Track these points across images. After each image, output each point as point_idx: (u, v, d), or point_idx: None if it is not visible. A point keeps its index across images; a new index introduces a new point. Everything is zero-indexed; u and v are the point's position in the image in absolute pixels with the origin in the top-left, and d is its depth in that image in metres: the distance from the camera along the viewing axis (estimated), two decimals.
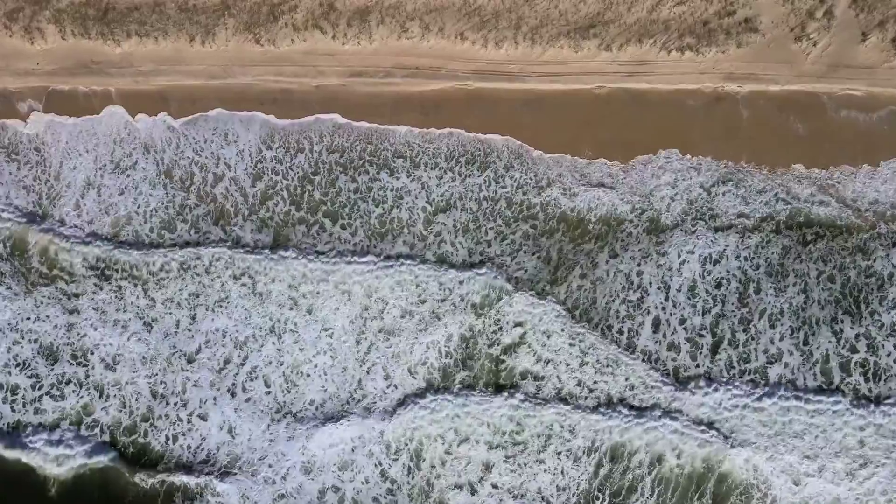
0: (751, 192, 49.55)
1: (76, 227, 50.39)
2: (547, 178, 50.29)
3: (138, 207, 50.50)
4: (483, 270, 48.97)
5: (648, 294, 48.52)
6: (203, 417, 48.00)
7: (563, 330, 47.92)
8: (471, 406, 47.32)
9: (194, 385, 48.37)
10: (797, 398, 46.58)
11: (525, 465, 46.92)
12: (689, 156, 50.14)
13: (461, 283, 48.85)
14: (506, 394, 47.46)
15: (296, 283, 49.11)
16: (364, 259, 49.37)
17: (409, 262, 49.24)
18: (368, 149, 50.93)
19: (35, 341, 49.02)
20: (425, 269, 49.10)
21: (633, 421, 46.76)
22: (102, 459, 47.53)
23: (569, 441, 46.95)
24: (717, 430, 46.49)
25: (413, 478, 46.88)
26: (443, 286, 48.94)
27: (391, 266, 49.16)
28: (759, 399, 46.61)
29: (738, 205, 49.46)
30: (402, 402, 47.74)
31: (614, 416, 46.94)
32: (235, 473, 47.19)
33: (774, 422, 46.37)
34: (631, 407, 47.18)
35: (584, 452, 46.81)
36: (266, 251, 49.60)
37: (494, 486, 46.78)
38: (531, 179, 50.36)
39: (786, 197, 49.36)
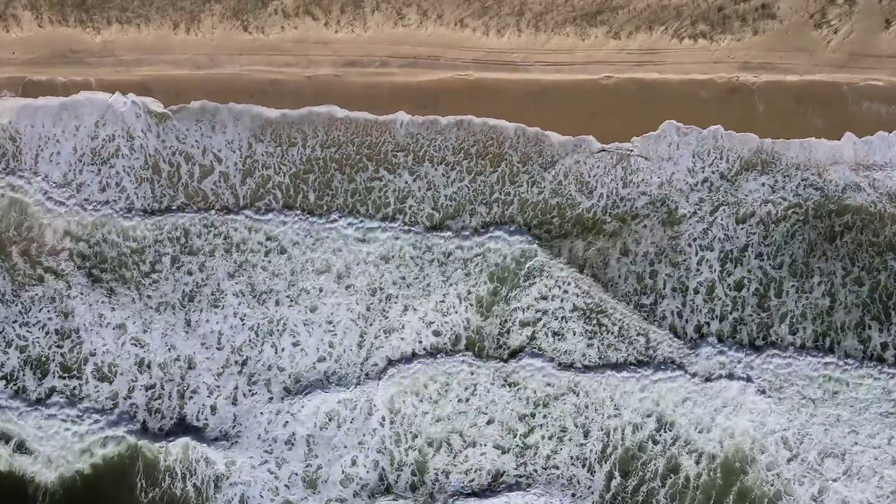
0: (779, 178, 47.96)
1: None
2: (564, 171, 48.42)
3: (120, 209, 48.37)
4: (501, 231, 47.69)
5: (664, 298, 47.11)
6: (201, 435, 46.54)
7: (579, 328, 46.65)
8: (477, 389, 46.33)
9: (193, 393, 46.86)
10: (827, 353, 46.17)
11: (536, 472, 45.82)
12: (718, 125, 48.49)
13: (468, 274, 47.28)
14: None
15: (295, 280, 47.41)
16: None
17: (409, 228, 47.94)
18: (368, 141, 48.82)
19: (22, 350, 47.16)
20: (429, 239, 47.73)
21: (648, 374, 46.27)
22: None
23: (582, 445, 45.86)
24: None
25: (418, 496, 45.92)
26: (448, 280, 47.32)
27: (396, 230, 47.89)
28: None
29: (765, 192, 47.96)
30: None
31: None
32: (236, 481, 46.20)
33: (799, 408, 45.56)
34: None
35: (596, 459, 45.66)
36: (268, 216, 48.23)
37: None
38: (549, 174, 48.47)
39: (818, 181, 47.81)
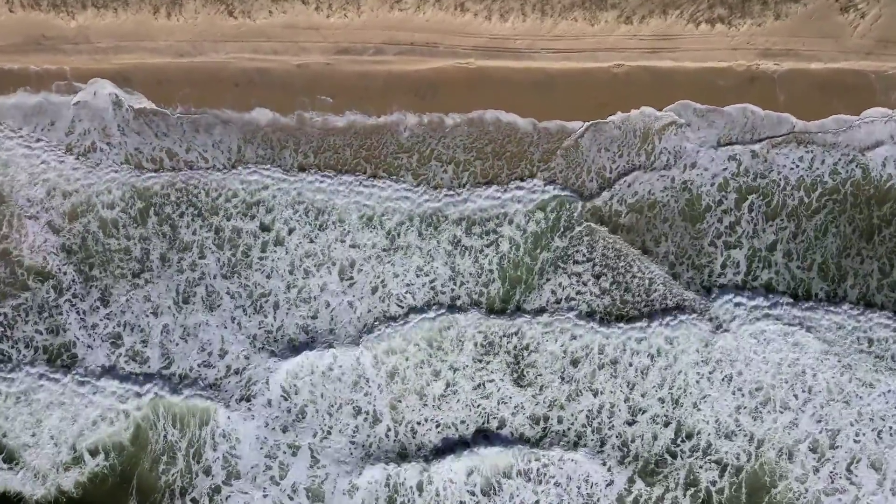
0: (816, 152, 46.45)
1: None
2: (587, 166, 46.83)
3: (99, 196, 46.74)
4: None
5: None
6: (198, 458, 45.24)
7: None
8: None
9: (195, 393, 45.44)
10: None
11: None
12: (746, 104, 46.86)
13: (480, 268, 45.86)
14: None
15: (294, 281, 45.82)
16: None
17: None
18: (367, 143, 47.19)
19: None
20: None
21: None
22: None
23: (599, 452, 44.82)
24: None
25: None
26: (457, 275, 45.95)
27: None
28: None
29: (802, 168, 46.47)
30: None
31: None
32: (237, 491, 45.13)
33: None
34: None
35: (617, 462, 44.66)
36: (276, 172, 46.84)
37: None
38: (572, 175, 46.84)
39: (860, 158, 46.36)
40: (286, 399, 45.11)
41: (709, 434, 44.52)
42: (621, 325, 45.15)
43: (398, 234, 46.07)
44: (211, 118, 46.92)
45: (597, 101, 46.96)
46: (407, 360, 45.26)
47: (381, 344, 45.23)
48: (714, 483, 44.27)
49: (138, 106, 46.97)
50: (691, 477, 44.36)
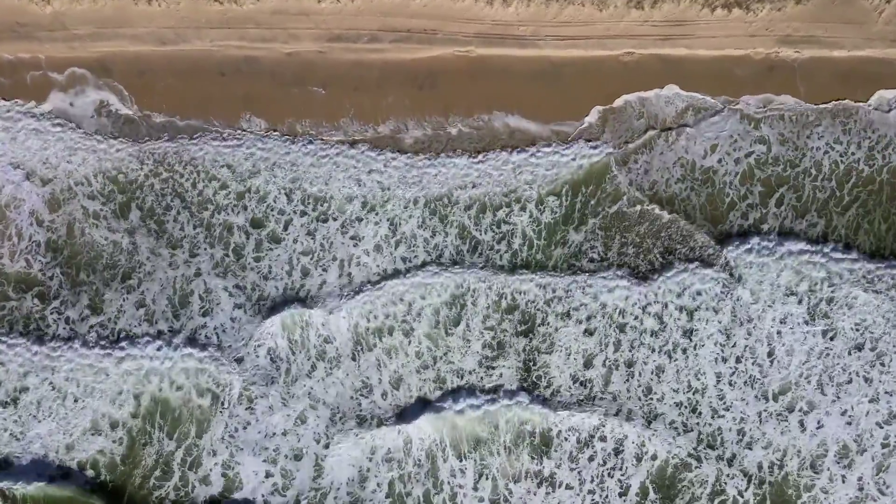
0: (853, 138, 45.04)
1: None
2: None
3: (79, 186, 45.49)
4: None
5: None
6: (196, 469, 43.98)
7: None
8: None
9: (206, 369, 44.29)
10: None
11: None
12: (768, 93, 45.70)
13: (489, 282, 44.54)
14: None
15: (294, 284, 44.50)
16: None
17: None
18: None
19: None
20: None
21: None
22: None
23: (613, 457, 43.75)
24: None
25: None
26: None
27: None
28: None
29: (838, 151, 44.96)
30: None
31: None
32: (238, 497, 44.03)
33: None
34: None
35: (634, 457, 43.39)
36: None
37: None
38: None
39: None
40: (285, 404, 43.99)
41: (733, 443, 43.53)
42: (624, 279, 44.10)
43: (400, 223, 44.99)
44: (198, 126, 45.85)
45: (605, 91, 46.06)
46: (409, 361, 44.15)
47: (382, 342, 44.10)
48: (741, 494, 43.30)
49: (123, 111, 45.91)
50: (719, 486, 43.31)
